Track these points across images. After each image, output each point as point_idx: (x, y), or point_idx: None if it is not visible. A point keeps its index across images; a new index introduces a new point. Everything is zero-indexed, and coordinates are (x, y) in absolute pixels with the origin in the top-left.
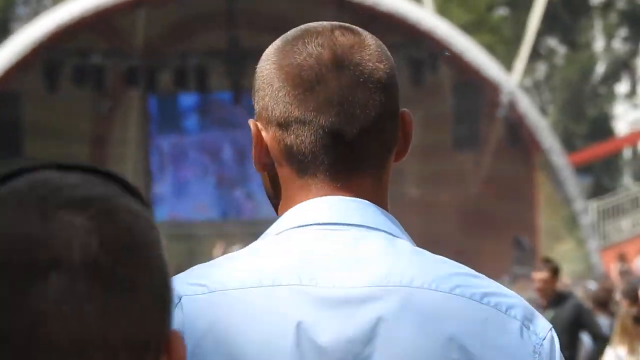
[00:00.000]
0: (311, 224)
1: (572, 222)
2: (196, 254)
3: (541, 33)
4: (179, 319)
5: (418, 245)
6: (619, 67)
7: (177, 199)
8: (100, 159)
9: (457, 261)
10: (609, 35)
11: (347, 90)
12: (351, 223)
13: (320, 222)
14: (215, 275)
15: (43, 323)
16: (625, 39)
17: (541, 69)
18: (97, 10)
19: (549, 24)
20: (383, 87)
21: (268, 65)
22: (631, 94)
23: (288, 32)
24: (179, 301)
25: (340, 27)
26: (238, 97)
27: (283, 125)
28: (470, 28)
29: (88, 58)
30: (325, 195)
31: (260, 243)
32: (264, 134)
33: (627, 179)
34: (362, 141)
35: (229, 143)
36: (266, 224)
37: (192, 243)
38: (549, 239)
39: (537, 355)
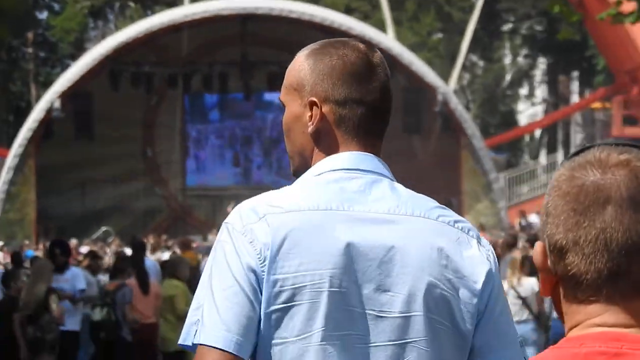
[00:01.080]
0: (339, 169)
1: (487, 188)
2: (217, 210)
3: (467, 51)
4: (265, 229)
5: None
6: (522, 76)
7: (204, 170)
8: (150, 138)
9: None
10: (515, 53)
11: (385, 82)
12: (366, 169)
13: (346, 168)
14: (285, 201)
15: (603, 233)
16: (526, 56)
17: (466, 76)
18: (147, 32)
19: (472, 44)
20: (389, 81)
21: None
22: (530, 95)
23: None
24: (264, 217)
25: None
26: (248, 96)
27: (341, 103)
28: (416, 47)
29: (141, 67)
30: (354, 150)
31: (306, 181)
32: (323, 107)
33: (526, 157)
34: (385, 117)
35: (240, 130)
36: (267, 188)
37: (214, 201)
38: (470, 199)
39: (489, 262)
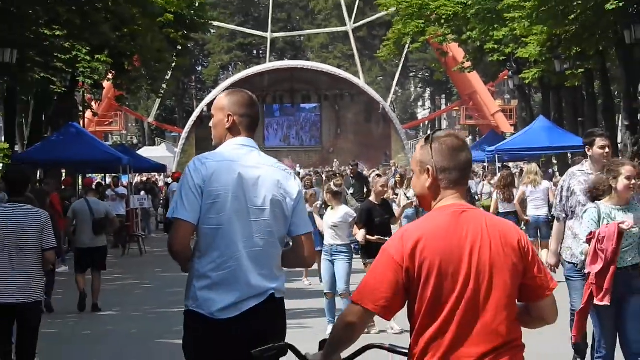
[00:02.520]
0: (238, 144)
1: (402, 147)
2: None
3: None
4: (205, 167)
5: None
6: (418, 96)
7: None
8: None
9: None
10: (415, 86)
11: (254, 106)
12: (248, 145)
13: (240, 144)
14: (215, 156)
15: (460, 164)
16: (421, 87)
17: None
18: (247, 75)
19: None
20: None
21: None
22: (422, 105)
23: None
24: (205, 162)
25: None
26: (293, 105)
27: (241, 115)
28: (371, 83)
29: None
30: (244, 137)
31: (224, 148)
32: (234, 117)
33: (423, 132)
34: (256, 123)
35: (287, 121)
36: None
37: (275, 154)
38: (395, 153)
39: (298, 186)
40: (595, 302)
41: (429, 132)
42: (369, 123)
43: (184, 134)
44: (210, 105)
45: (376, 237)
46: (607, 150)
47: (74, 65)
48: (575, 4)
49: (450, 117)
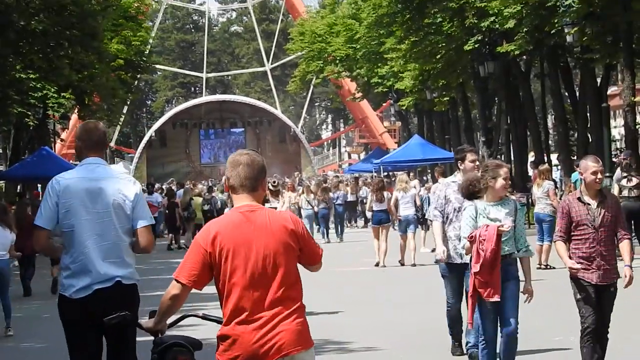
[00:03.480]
0: (87, 163)
1: (310, 162)
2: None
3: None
4: (58, 185)
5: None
6: (324, 119)
7: (207, 159)
8: (187, 147)
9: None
10: (320, 114)
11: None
12: (95, 162)
13: (89, 163)
14: (67, 175)
15: (240, 173)
16: (324, 114)
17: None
18: (190, 106)
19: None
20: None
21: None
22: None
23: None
24: (58, 181)
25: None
26: (223, 130)
27: (88, 148)
28: (284, 111)
29: (183, 120)
30: (93, 156)
31: (78, 167)
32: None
33: (327, 149)
34: (104, 149)
35: (219, 143)
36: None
37: (211, 171)
38: (304, 166)
39: (137, 188)
40: (485, 298)
41: (331, 149)
42: (284, 143)
43: (136, 155)
44: (157, 131)
45: None
46: (476, 163)
47: (44, 101)
48: (440, 45)
49: (347, 137)
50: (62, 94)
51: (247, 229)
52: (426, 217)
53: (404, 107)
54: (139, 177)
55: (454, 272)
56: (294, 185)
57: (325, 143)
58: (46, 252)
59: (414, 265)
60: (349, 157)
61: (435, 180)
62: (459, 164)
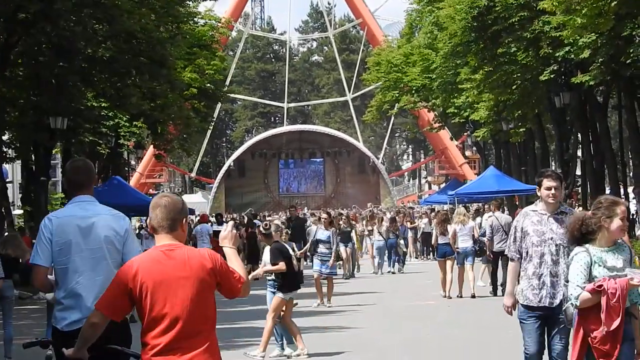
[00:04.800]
0: (79, 200)
1: (389, 193)
2: (294, 203)
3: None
4: (51, 224)
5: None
6: (404, 152)
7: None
8: (265, 177)
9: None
10: (400, 144)
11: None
12: (87, 200)
13: (81, 200)
14: (60, 212)
15: (168, 213)
16: (404, 145)
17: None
18: (269, 136)
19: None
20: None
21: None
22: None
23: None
24: (51, 219)
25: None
26: (302, 160)
27: (74, 188)
28: (365, 141)
29: (263, 150)
30: (85, 194)
31: (70, 204)
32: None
33: (407, 180)
34: (89, 188)
35: (298, 173)
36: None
37: (292, 200)
38: (384, 197)
39: (127, 224)
40: None
41: (411, 179)
42: (363, 174)
43: (215, 184)
44: (236, 161)
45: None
46: (553, 191)
47: (116, 130)
48: (515, 75)
49: (428, 168)
50: (135, 123)
51: (166, 266)
52: (506, 253)
53: (478, 138)
54: (217, 207)
55: (534, 316)
56: (355, 217)
57: (406, 174)
58: (44, 288)
59: (474, 296)
60: (429, 187)
61: (503, 211)
62: (537, 190)
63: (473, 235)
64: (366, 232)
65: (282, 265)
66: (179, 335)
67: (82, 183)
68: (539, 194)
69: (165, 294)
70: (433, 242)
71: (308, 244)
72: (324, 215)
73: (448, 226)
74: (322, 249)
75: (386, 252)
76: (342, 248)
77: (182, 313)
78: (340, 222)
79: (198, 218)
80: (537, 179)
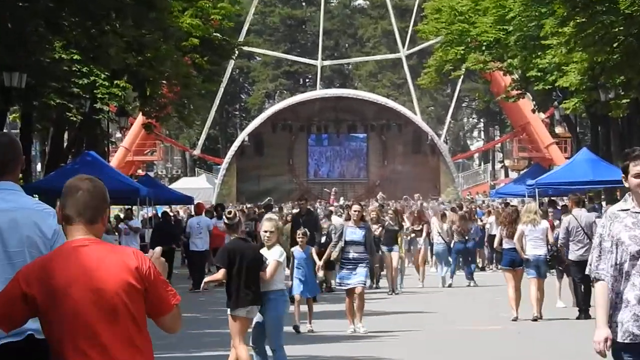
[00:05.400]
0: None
1: (452, 181)
2: (323, 190)
3: (444, 114)
4: None
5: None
6: (473, 128)
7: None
8: (291, 155)
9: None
10: (468, 117)
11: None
12: (6, 188)
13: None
14: None
15: (78, 201)
16: (473, 118)
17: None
18: (290, 104)
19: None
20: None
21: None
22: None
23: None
24: None
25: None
26: (338, 134)
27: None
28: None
29: (287, 121)
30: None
31: None
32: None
33: (477, 164)
34: (5, 169)
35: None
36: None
37: (323, 186)
38: (444, 186)
39: (55, 235)
40: None
41: (482, 164)
42: (418, 155)
43: (224, 165)
44: (252, 135)
45: None
46: None
47: (92, 91)
48: (616, 29)
49: (504, 149)
50: (116, 82)
51: (80, 266)
52: (587, 272)
53: (567, 111)
54: (227, 194)
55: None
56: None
57: (475, 156)
58: None
59: (536, 319)
60: (506, 174)
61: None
62: (623, 180)
63: (547, 239)
64: (411, 233)
65: (220, 274)
66: (98, 350)
67: (5, 164)
68: (626, 184)
69: (78, 300)
70: (495, 245)
71: (333, 248)
72: (355, 208)
73: (527, 226)
74: (352, 253)
75: (449, 259)
76: (385, 252)
77: (101, 323)
78: (386, 218)
79: (194, 209)
80: (621, 164)
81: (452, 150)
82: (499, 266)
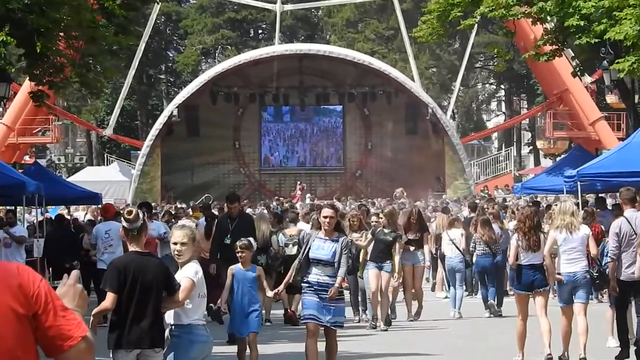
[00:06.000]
0: None
1: (462, 171)
2: (282, 184)
3: (451, 80)
4: None
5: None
6: (490, 97)
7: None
8: (237, 136)
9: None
10: (484, 82)
11: None
12: None
13: None
14: None
15: None
16: (491, 84)
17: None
18: (236, 65)
19: (454, 75)
20: None
21: None
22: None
23: None
24: None
25: None
26: (302, 108)
27: None
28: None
29: (231, 88)
30: None
31: None
32: None
33: (496, 147)
34: None
35: (296, 130)
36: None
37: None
38: (450, 179)
39: None
40: None
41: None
42: (413, 135)
43: (144, 149)
44: (182, 108)
45: None
46: None
47: None
48: None
49: (536, 126)
50: None
51: None
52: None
53: (620, 74)
54: (150, 189)
55: None
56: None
57: (494, 137)
58: None
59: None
60: (537, 162)
61: None
62: None
63: (588, 252)
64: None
65: (108, 302)
66: None
67: None
68: None
69: None
70: (510, 261)
71: (293, 270)
72: (326, 212)
73: (542, 235)
74: (319, 275)
75: (460, 277)
76: (372, 273)
77: None
78: (373, 222)
79: (100, 212)
80: None
81: (462, 129)
82: (512, 288)
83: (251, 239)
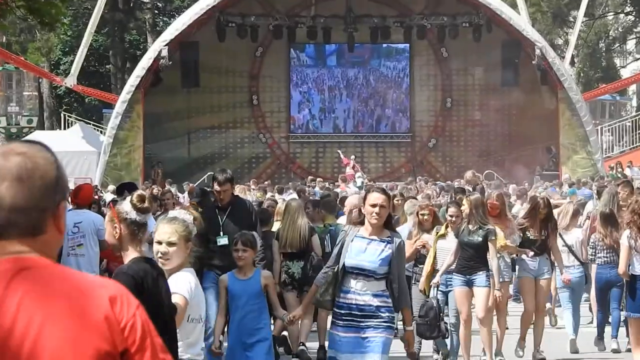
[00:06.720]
0: None
1: (584, 140)
2: (320, 156)
3: (570, 7)
4: None
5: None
6: (625, 33)
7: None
8: (255, 88)
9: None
10: (617, 10)
11: None
12: None
13: None
14: None
15: None
16: (627, 13)
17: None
18: None
19: (574, 1)
20: None
21: None
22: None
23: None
24: None
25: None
26: (351, 47)
27: None
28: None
29: (247, 18)
30: None
31: None
32: None
33: (629, 108)
34: None
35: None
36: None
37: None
38: (567, 151)
39: None
40: None
41: None
42: (513, 87)
43: (119, 105)
44: (178, 43)
45: None
46: None
47: None
48: None
49: None
50: None
51: (14, 305)
52: None
53: None
54: (127, 164)
55: None
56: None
57: (631, 90)
58: None
59: None
60: None
61: None
62: None
63: None
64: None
65: None
66: None
67: None
68: None
69: None
70: (621, 270)
71: (323, 277)
72: (375, 198)
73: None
74: (358, 293)
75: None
76: (459, 293)
77: None
78: (451, 216)
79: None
80: None
81: (586, 79)
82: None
83: (255, 233)
